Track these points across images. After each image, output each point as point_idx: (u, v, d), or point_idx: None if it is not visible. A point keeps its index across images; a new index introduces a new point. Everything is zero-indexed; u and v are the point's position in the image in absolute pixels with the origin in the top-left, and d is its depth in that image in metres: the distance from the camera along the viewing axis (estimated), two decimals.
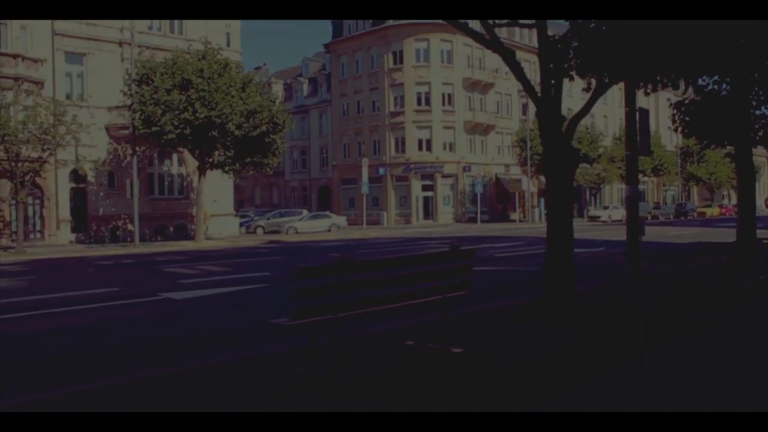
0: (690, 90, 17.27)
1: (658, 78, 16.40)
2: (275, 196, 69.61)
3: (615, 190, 64.53)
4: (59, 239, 32.15)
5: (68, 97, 32.01)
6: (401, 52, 50.37)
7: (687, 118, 17.16)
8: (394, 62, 50.80)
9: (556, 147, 8.48)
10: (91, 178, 33.48)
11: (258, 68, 79.63)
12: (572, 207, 8.63)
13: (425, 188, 50.46)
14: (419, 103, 50.17)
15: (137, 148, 33.29)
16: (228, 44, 38.71)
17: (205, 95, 28.02)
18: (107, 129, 33.79)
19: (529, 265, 15.81)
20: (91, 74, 33.19)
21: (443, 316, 6.30)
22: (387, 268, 5.93)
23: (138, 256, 22.09)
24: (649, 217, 53.46)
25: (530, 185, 49.49)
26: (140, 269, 16.51)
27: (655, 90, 16.67)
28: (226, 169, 31.30)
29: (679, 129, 17.43)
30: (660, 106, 66.96)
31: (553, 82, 8.91)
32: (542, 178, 51.80)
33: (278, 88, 69.01)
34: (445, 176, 50.32)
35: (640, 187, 67.08)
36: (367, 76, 52.72)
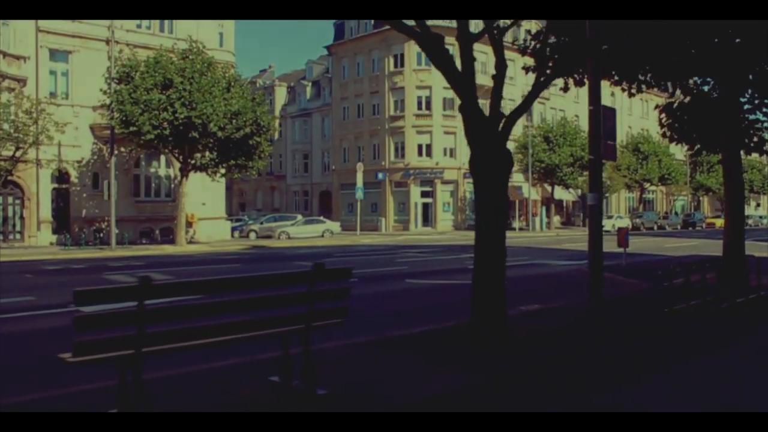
0: (679, 92, 16.09)
1: (642, 78, 15.30)
2: (277, 200, 68.78)
3: (622, 199, 63.02)
4: (39, 241, 31.33)
5: (52, 95, 31.31)
6: (402, 55, 49.31)
7: (675, 124, 15.94)
8: (395, 65, 49.76)
9: (487, 148, 7.34)
10: (74, 178, 32.69)
11: (264, 71, 79.08)
12: (506, 217, 7.46)
13: (424, 194, 49.30)
14: (420, 107, 49.05)
15: (122, 149, 32.62)
16: (221, 44, 37.89)
17: (186, 95, 27.13)
18: (92, 129, 32.99)
19: None
20: (77, 72, 32.41)
21: (308, 349, 5.19)
22: (216, 290, 4.84)
23: (98, 261, 21.12)
24: (655, 227, 51.97)
25: (531, 193, 48.13)
26: (83, 276, 15.54)
27: (639, 90, 15.51)
28: (209, 171, 30.37)
29: (667, 134, 16.21)
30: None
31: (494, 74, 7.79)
32: (547, 186, 50.56)
33: (281, 92, 68.39)
34: (445, 182, 49.14)
35: (649, 196, 65.54)
36: (368, 80, 51.72)
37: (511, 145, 51.41)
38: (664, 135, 16.45)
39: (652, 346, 7.09)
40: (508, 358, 6.42)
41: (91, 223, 32.45)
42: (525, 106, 7.77)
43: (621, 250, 17.06)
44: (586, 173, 49.13)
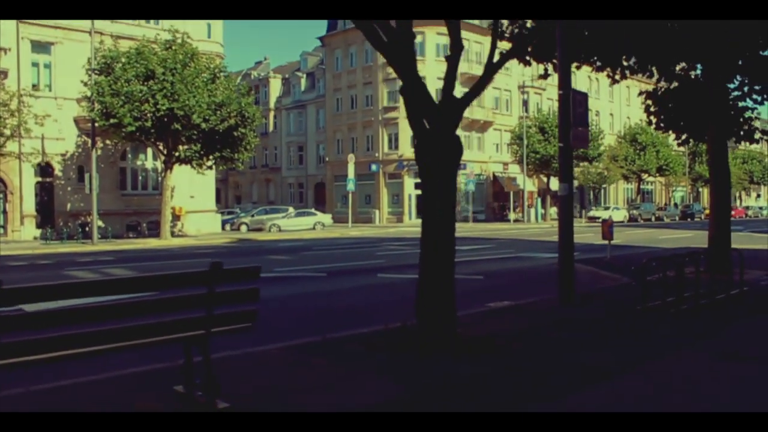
0: (664, 80, 15.44)
1: (626, 63, 14.65)
2: (272, 192, 68.22)
3: (621, 190, 62.33)
4: (23, 235, 30.83)
5: (35, 87, 30.74)
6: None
7: (662, 111, 15.29)
8: None
9: (435, 134, 6.76)
10: (58, 171, 32.14)
11: (259, 63, 78.33)
12: (454, 209, 6.88)
13: (419, 186, 48.42)
14: None
15: (108, 142, 32.07)
16: (209, 35, 37.26)
17: (168, 86, 26.55)
18: (76, 121, 32.40)
19: (471, 273, 14.05)
20: (59, 64, 31.77)
21: (207, 357, 4.64)
22: (97, 293, 4.28)
23: (70, 256, 20.54)
24: (653, 219, 51.30)
25: (526, 184, 47.48)
26: (43, 272, 14.96)
27: (624, 77, 14.88)
28: (194, 164, 29.80)
29: (654, 122, 15.58)
30: None
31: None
32: (543, 178, 49.90)
33: (276, 84, 67.69)
34: None
35: (647, 187, 64.84)
36: (361, 70, 51.04)
37: (506, 136, 50.86)
38: (650, 123, 15.86)
39: (612, 351, 6.52)
40: (450, 365, 5.86)
41: (76, 217, 31.94)
42: (477, 90, 7.20)
43: (617, 242, 16.45)
44: (582, 164, 48.51)
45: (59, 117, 31.24)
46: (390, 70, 48.67)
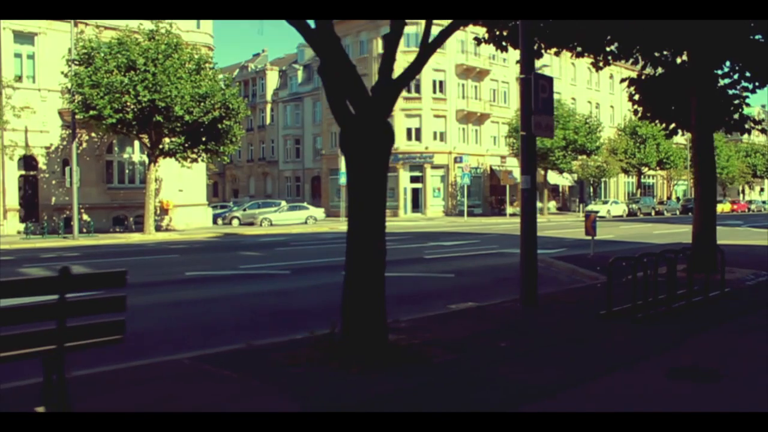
0: (650, 66, 14.69)
1: (609, 49, 13.91)
2: (269, 186, 67.65)
3: (621, 184, 61.47)
4: (6, 229, 30.26)
5: (18, 79, 30.16)
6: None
7: (647, 99, 14.55)
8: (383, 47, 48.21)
9: (363, 121, 6.10)
10: (42, 165, 31.55)
11: (257, 55, 77.59)
12: (384, 204, 6.22)
13: (414, 179, 47.98)
14: (409, 90, 47.52)
15: (93, 135, 31.49)
16: (198, 26, 36.57)
17: (150, 77, 25.91)
18: (60, 114, 31.79)
19: (444, 271, 13.40)
20: (43, 55, 31.10)
21: (61, 376, 4.01)
22: None
23: (39, 251, 19.92)
24: (653, 213, 50.47)
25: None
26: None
27: (607, 63, 14.14)
28: (178, 156, 29.16)
29: (639, 111, 14.82)
30: None
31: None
32: (540, 171, 49.08)
33: (273, 76, 66.98)
34: (435, 167, 47.82)
35: (648, 181, 63.95)
36: (356, 62, 49.84)
37: (504, 129, 50.15)
38: (635, 113, 15.12)
39: (560, 363, 5.87)
40: (364, 381, 5.21)
41: (61, 211, 31.34)
42: (412, 72, 6.51)
43: (610, 237, 15.76)
44: (581, 157, 47.72)
45: (43, 109, 30.69)
46: None
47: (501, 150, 50.99)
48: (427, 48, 6.51)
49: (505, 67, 50.56)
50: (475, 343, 6.64)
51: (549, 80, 8.74)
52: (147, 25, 28.21)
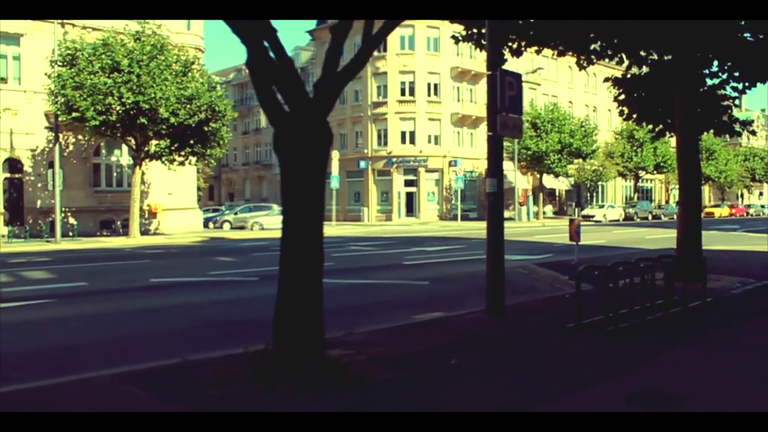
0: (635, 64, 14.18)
1: (592, 47, 13.41)
2: (265, 189, 67.18)
3: (618, 188, 60.92)
4: None
5: (4, 80, 29.77)
6: (385, 39, 47.23)
7: (633, 100, 14.04)
8: (378, 50, 47.76)
9: (302, 119, 5.61)
10: (27, 167, 31.10)
11: None
12: (323, 209, 5.74)
13: (408, 183, 47.47)
14: (403, 93, 47.16)
15: (80, 137, 31.07)
16: (189, 27, 36.15)
17: (134, 79, 25.48)
18: (46, 116, 31.32)
19: (419, 278, 12.90)
20: (29, 56, 30.66)
21: None
22: None
23: (12, 256, 19.39)
24: (650, 217, 49.93)
25: (518, 181, 46.17)
26: None
27: (590, 62, 13.64)
28: (164, 159, 28.72)
29: (625, 112, 14.32)
30: None
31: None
32: (536, 175, 48.62)
33: None
34: (429, 171, 47.32)
35: (646, 185, 63.43)
36: None
37: None
38: (621, 113, 14.61)
39: (507, 385, 5.37)
40: (286, 404, 4.72)
41: (46, 215, 30.87)
42: (354, 69, 6.02)
43: (601, 242, 15.27)
44: (576, 161, 47.23)
45: (29, 111, 30.30)
46: (379, 64, 47.72)
47: None
48: (370, 42, 6.01)
49: None
50: (425, 359, 6.15)
51: (517, 77, 8.26)
52: (133, 26, 27.79)
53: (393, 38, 47.07)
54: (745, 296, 10.57)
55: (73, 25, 29.77)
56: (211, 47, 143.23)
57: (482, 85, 50.25)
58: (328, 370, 5.51)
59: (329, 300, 10.68)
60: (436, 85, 47.45)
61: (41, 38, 30.63)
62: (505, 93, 7.88)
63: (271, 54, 5.60)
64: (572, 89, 56.95)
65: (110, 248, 22.75)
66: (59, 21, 30.65)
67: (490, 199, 8.21)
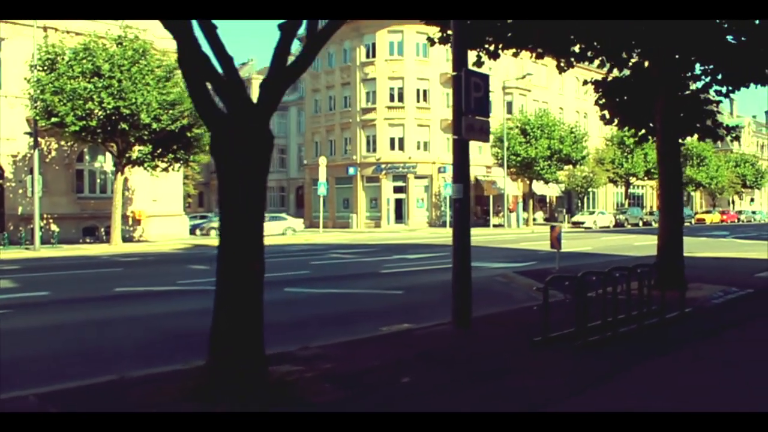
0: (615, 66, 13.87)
1: (572, 49, 13.11)
2: None
3: (609, 194, 60.74)
4: None
5: None
6: (374, 44, 47.10)
7: (614, 104, 13.73)
8: (367, 56, 47.55)
9: (243, 122, 5.25)
10: (9, 174, 30.64)
11: (244, 64, 76.79)
12: (262, 219, 5.37)
13: (397, 190, 47.12)
14: (392, 99, 46.86)
15: (63, 143, 30.62)
16: None
17: (115, 84, 25.09)
18: (28, 121, 30.87)
19: (394, 287, 12.53)
20: (9, 61, 30.26)
21: None
22: None
23: None
24: (641, 224, 49.68)
25: (507, 188, 45.89)
26: None
27: (570, 65, 13.34)
28: (146, 166, 28.31)
29: (607, 116, 14.01)
30: None
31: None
32: (526, 181, 48.33)
33: (258, 85, 66.18)
34: (418, 177, 46.98)
35: (637, 191, 63.28)
36: (340, 71, 49.53)
37: (492, 139, 49.69)
38: (602, 118, 14.30)
39: (449, 408, 4.99)
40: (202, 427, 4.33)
41: (28, 221, 30.39)
42: (300, 67, 5.65)
43: (587, 249, 14.93)
44: (566, 167, 47.00)
45: (10, 116, 29.89)
46: (368, 70, 47.43)
47: (486, 160, 50.17)
48: (316, 38, 5.64)
49: (491, 76, 49.79)
50: (377, 377, 5.78)
51: (484, 78, 7.92)
52: (116, 30, 27.42)
53: (382, 44, 46.86)
54: (726, 306, 10.23)
55: (56, 30, 29.39)
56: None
57: None
58: (269, 389, 5.14)
59: (295, 310, 10.37)
60: (425, 91, 47.19)
61: (22, 43, 30.20)
62: (470, 94, 7.54)
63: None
64: (563, 95, 56.79)
65: (87, 256, 22.31)
66: (40, 25, 30.36)
67: (455, 205, 7.86)
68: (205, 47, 5.34)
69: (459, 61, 7.78)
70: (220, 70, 5.37)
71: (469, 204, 8.05)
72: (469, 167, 8.03)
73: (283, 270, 15.17)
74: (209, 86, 5.31)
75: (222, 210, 5.29)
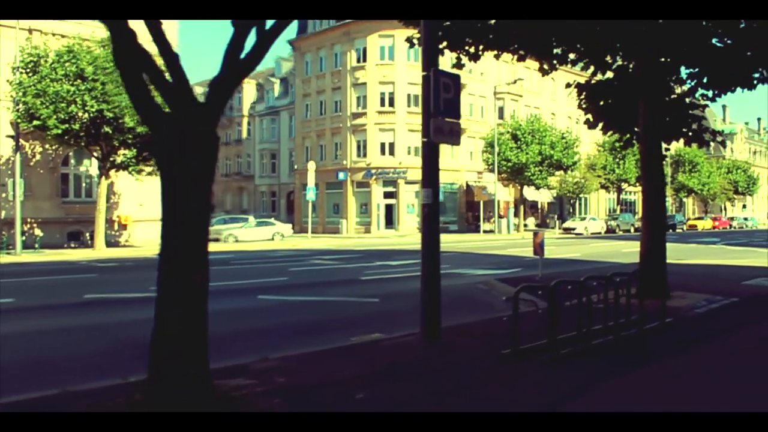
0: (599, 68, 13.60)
1: (554, 51, 12.84)
2: (245, 201, 66.40)
3: (602, 200, 60.58)
4: None
5: None
6: (365, 49, 46.86)
7: (598, 107, 13.46)
8: (358, 60, 47.30)
9: (180, 123, 4.93)
10: None
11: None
12: (208, 226, 5.06)
13: (388, 195, 46.81)
14: (382, 104, 46.58)
15: (48, 147, 30.24)
16: None
17: (99, 87, 24.78)
18: (12, 125, 30.49)
19: (370, 295, 12.21)
20: None
21: None
22: None
23: None
24: (632, 230, 49.48)
25: (498, 193, 45.65)
26: None
27: (552, 67, 13.08)
28: (131, 170, 27.97)
29: (591, 120, 13.72)
30: None
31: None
32: (517, 186, 48.11)
33: (250, 90, 65.91)
34: (409, 182, 46.59)
35: (629, 197, 63.14)
36: (330, 75, 49.26)
37: (479, 144, 49.51)
38: (586, 122, 14.01)
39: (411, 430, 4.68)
40: None
41: (11, 226, 29.97)
42: (248, 66, 5.32)
43: (575, 255, 14.63)
44: (558, 173, 46.81)
45: None
46: (359, 74, 47.18)
47: (477, 165, 49.95)
48: (266, 36, 5.32)
49: (482, 81, 49.72)
50: (332, 392, 5.46)
51: (454, 78, 7.64)
52: (100, 32, 27.08)
53: (373, 48, 46.63)
54: (708, 316, 9.94)
55: (41, 32, 29.05)
56: (193, 58, 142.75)
57: (464, 96, 49.76)
58: (212, 405, 4.81)
59: (265, 319, 10.05)
60: (416, 96, 46.88)
61: (5, 45, 29.80)
62: (440, 95, 7.25)
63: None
64: (555, 101, 56.67)
65: (66, 261, 21.94)
66: (25, 27, 29.99)
67: (425, 211, 7.55)
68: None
69: (429, 60, 7.49)
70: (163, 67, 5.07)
71: (438, 210, 7.74)
72: (438, 171, 7.73)
73: (260, 276, 14.84)
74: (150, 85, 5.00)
75: (163, 215, 4.97)
